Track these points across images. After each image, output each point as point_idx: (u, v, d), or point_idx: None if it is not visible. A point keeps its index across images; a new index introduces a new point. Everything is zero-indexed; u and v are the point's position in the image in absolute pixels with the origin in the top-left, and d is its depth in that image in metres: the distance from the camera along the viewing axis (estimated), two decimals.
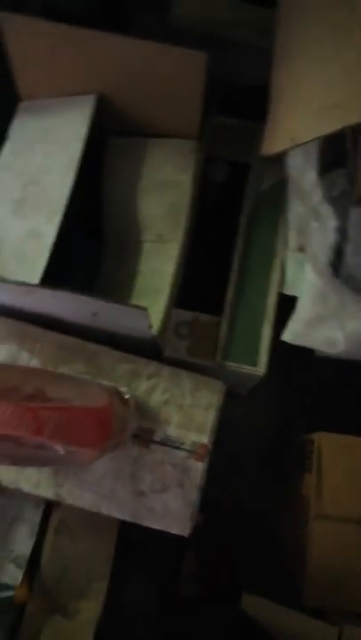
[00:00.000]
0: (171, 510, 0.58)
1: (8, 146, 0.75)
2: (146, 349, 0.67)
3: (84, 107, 0.73)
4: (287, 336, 0.67)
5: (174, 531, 0.57)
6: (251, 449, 0.84)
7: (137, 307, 0.53)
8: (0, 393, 0.44)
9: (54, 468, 0.59)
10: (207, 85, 0.70)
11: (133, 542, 0.71)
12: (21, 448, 0.45)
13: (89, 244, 0.74)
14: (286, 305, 0.70)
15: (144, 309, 0.53)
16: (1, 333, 0.65)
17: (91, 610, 0.67)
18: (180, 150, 0.74)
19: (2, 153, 0.75)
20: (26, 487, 0.59)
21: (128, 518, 0.58)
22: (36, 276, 0.63)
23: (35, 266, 0.65)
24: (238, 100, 0.81)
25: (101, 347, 0.64)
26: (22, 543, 0.69)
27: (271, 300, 0.69)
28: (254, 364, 0.66)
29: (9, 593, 0.69)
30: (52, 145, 0.72)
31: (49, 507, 0.72)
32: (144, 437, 0.60)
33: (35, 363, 0.63)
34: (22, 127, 0.76)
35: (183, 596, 0.73)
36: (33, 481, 0.59)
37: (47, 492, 0.59)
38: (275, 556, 0.76)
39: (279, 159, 0.73)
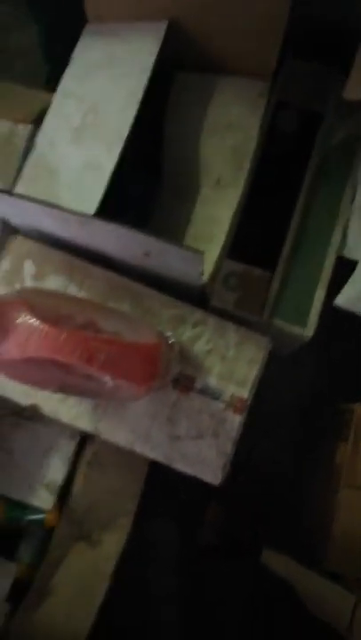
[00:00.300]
0: (204, 458, 0.58)
1: (70, 70, 0.72)
2: (192, 297, 0.65)
3: (153, 34, 0.68)
4: (340, 300, 0.64)
5: (206, 478, 0.57)
6: (285, 411, 0.83)
7: (194, 250, 0.51)
8: (53, 320, 0.44)
9: (94, 402, 0.60)
10: (288, 23, 0.65)
11: (161, 485, 0.73)
12: (69, 376, 0.45)
13: (145, 183, 0.72)
14: (343, 269, 0.67)
15: (200, 253, 0.51)
16: (51, 265, 0.65)
17: (114, 542, 0.70)
18: (251, 91, 0.69)
19: (63, 77, 0.72)
20: (65, 418, 0.60)
21: (161, 459, 0.58)
22: (91, 208, 0.62)
23: (91, 198, 0.63)
24: (319, 43, 0.74)
25: (149, 289, 0.63)
26: (56, 471, 0.72)
27: (329, 262, 0.66)
28: (303, 325, 0.64)
29: (40, 516, 0.72)
30: (117, 72, 0.69)
31: (83, 440, 0.74)
32: (184, 384, 0.60)
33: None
34: (86, 51, 0.73)
35: (202, 544, 0.75)
36: (72, 413, 0.60)
37: (85, 426, 0.60)
38: (298, 518, 0.77)
39: (355, 111, 0.68)
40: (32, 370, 0.46)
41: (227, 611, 0.56)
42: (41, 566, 0.71)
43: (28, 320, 0.43)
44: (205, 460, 0.58)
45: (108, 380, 0.43)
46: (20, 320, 0.43)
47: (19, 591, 0.69)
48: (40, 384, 0.52)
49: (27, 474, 0.72)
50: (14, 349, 0.43)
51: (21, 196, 0.56)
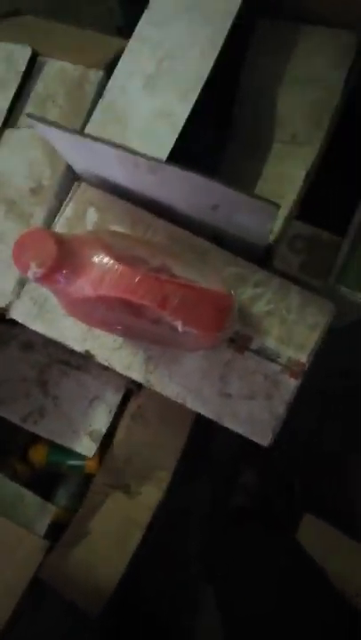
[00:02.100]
0: (255, 418, 0.57)
1: (147, 15, 0.69)
2: (254, 257, 0.63)
3: None
4: None
5: (255, 438, 0.56)
6: (333, 387, 0.81)
7: (269, 202, 0.49)
8: (127, 261, 0.43)
9: (147, 354, 0.59)
10: None
11: (196, 446, 0.73)
12: (137, 319, 0.45)
13: (215, 135, 0.69)
14: None
15: (276, 206, 0.49)
16: (113, 214, 0.64)
17: (152, 495, 0.71)
18: (337, 42, 0.65)
19: (140, 22, 0.69)
20: (118, 367, 0.60)
21: (211, 416, 0.58)
22: (161, 156, 0.60)
23: (161, 146, 0.62)
24: None
25: (212, 244, 0.61)
26: (99, 420, 0.73)
27: None
28: None
29: (80, 462, 0.74)
30: (197, 18, 0.66)
31: (128, 394, 0.74)
32: (240, 343, 0.58)
33: None
34: None
35: (236, 507, 0.75)
36: (125, 363, 0.60)
37: (137, 376, 0.59)
38: (340, 489, 0.75)
39: None
40: (100, 310, 0.46)
41: (252, 580, 0.56)
42: (78, 512, 0.72)
43: (103, 259, 0.43)
44: (256, 421, 0.57)
45: (178, 325, 0.43)
46: (94, 258, 0.43)
47: (54, 533, 0.71)
48: (105, 326, 0.52)
49: (71, 421, 0.74)
50: (87, 287, 0.43)
51: (94, 137, 0.55)
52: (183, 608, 0.75)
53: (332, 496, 0.73)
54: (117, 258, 0.44)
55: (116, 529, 0.70)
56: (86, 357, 0.70)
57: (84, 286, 0.43)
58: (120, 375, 0.74)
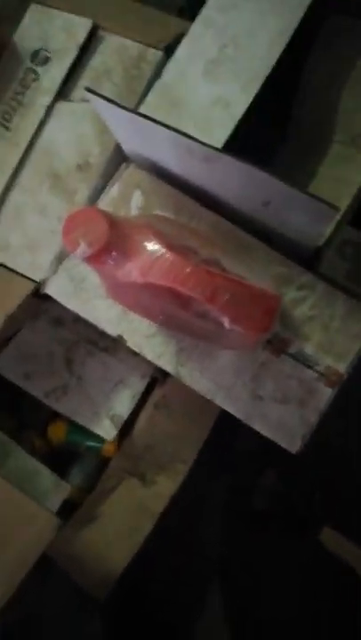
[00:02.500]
0: (284, 423, 0.56)
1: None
2: (299, 258, 0.62)
3: None
4: None
5: (283, 443, 0.56)
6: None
7: (328, 203, 0.47)
8: (178, 250, 0.42)
9: (179, 346, 0.58)
10: None
11: (218, 442, 0.72)
12: (182, 311, 0.44)
13: (272, 130, 0.67)
14: None
15: (335, 209, 0.47)
16: (159, 199, 0.62)
17: (167, 486, 0.70)
18: None
19: (205, 6, 0.67)
20: (149, 355, 0.59)
21: (240, 416, 0.57)
22: (216, 145, 0.58)
23: (216, 136, 0.60)
24: None
25: (258, 241, 0.60)
26: (122, 405, 0.72)
27: None
28: None
29: (99, 444, 0.73)
30: (267, 5, 0.63)
31: (153, 382, 0.74)
32: (277, 345, 0.57)
33: None
34: None
35: (256, 508, 0.74)
36: (157, 352, 0.59)
37: (168, 366, 0.58)
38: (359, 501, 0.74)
39: None
40: (145, 297, 0.45)
41: (273, 583, 0.55)
42: (91, 493, 0.72)
43: (154, 245, 0.42)
44: (286, 426, 0.56)
45: (225, 321, 0.42)
46: (145, 244, 0.42)
47: (67, 511, 0.71)
48: (147, 313, 0.51)
49: (93, 402, 0.73)
50: (136, 272, 0.42)
51: (151, 118, 0.53)
52: (189, 603, 0.75)
53: (356, 504, 0.72)
54: (169, 246, 0.43)
55: (128, 515, 0.70)
56: (116, 341, 0.69)
57: (132, 271, 0.42)
58: (147, 362, 0.73)
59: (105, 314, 0.61)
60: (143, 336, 0.60)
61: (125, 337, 0.60)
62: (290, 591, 0.52)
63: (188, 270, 0.41)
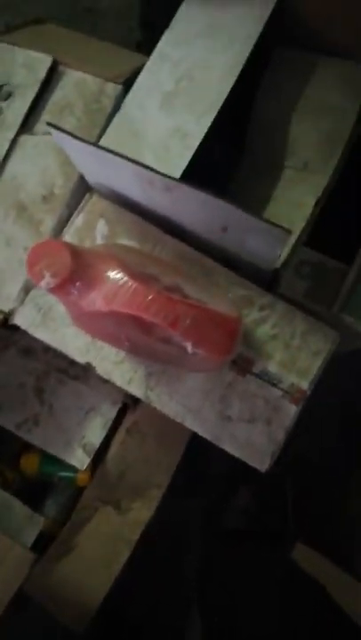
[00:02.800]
0: (253, 442, 0.57)
1: (168, 35, 0.70)
2: (259, 281, 0.64)
3: (262, 6, 0.66)
4: None
5: (252, 463, 0.56)
6: (332, 409, 0.81)
7: (281, 228, 0.49)
8: (141, 278, 0.43)
9: (148, 370, 0.59)
10: None
11: (190, 464, 0.72)
12: (146, 337, 0.45)
13: (227, 158, 0.70)
14: None
15: (287, 232, 0.49)
16: (123, 227, 0.64)
17: (143, 512, 0.70)
18: (353, 75, 0.66)
19: (161, 40, 0.70)
20: (119, 381, 0.59)
21: (209, 437, 0.57)
22: (175, 175, 0.60)
23: (175, 165, 0.62)
24: None
25: (220, 266, 0.62)
26: (94, 433, 0.72)
27: None
28: None
29: (72, 474, 0.73)
30: (218, 41, 0.67)
31: (124, 408, 0.74)
32: (242, 366, 0.59)
33: None
34: (187, 17, 0.71)
35: (229, 528, 0.74)
36: (126, 377, 0.59)
37: (137, 391, 0.59)
38: (337, 517, 0.75)
39: None
40: (109, 325, 0.46)
41: (250, 601, 0.55)
42: (66, 524, 0.71)
43: (117, 274, 0.43)
44: (255, 445, 0.57)
45: (188, 346, 0.43)
46: (109, 273, 0.43)
47: (42, 544, 0.70)
48: (112, 340, 0.52)
49: (65, 431, 0.73)
50: (100, 301, 0.43)
51: (112, 151, 0.55)
52: (170, 627, 0.74)
53: (329, 520, 0.73)
54: (131, 274, 0.44)
55: (104, 545, 0.69)
56: (86, 368, 0.69)
57: (96, 300, 0.43)
58: (118, 389, 0.74)
59: (73, 342, 0.61)
60: (112, 363, 0.60)
61: (94, 364, 0.61)
62: (267, 607, 0.52)
63: (150, 298, 0.42)
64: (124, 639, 0.72)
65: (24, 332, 0.65)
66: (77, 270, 0.43)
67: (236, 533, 0.71)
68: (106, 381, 0.74)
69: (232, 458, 0.57)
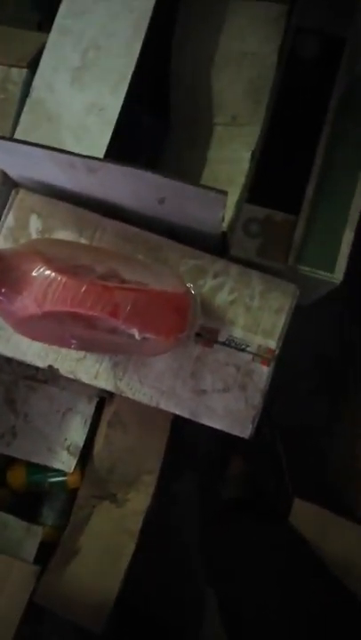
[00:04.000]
0: (232, 411, 0.56)
1: (64, 6, 0.65)
2: (210, 247, 0.61)
3: None
4: None
5: (234, 432, 0.55)
6: (307, 364, 0.81)
7: (215, 190, 0.47)
8: (71, 271, 0.41)
9: (113, 361, 0.57)
10: None
11: (180, 441, 0.71)
12: (92, 331, 0.43)
13: (153, 125, 0.67)
14: None
15: (223, 194, 0.47)
16: (58, 219, 0.61)
17: (140, 500, 0.69)
18: (267, 16, 0.63)
19: (57, 14, 0.65)
20: (85, 378, 0.57)
21: (187, 415, 0.56)
22: (99, 153, 0.57)
23: (97, 143, 0.58)
24: None
25: (165, 239, 0.59)
26: (75, 433, 0.70)
27: (357, 201, 0.61)
28: (331, 270, 0.60)
29: (61, 478, 0.71)
30: (116, 3, 0.62)
31: (102, 402, 0.72)
32: (207, 337, 0.57)
33: None
34: None
35: (227, 498, 0.74)
36: (92, 372, 0.57)
37: (106, 384, 0.57)
38: (325, 468, 0.76)
39: None
40: (51, 326, 0.43)
41: (251, 571, 0.55)
42: (66, 528, 0.70)
43: (44, 272, 0.40)
44: (233, 414, 0.56)
45: (135, 332, 0.40)
46: (35, 272, 0.40)
47: (44, 553, 0.69)
48: (60, 342, 0.49)
49: (45, 437, 0.71)
50: (31, 305, 0.40)
51: (24, 142, 0.51)
52: (187, 610, 0.75)
53: (320, 472, 0.74)
54: (59, 269, 0.41)
55: (108, 540, 0.68)
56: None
57: (27, 304, 0.41)
58: (90, 385, 0.71)
59: (30, 348, 0.59)
60: (74, 360, 0.58)
61: (56, 366, 0.58)
62: (268, 577, 0.52)
63: (83, 289, 0.39)
64: (142, 631, 0.73)
65: None
66: (1, 276, 0.40)
67: (232, 504, 0.71)
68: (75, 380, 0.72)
69: (219, 431, 0.56)
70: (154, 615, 0.75)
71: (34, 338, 0.49)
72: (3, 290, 0.40)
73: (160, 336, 0.43)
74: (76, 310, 0.40)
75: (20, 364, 0.72)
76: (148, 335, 0.42)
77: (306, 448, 0.77)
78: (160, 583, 0.76)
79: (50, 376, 0.72)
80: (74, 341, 0.45)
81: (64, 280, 0.40)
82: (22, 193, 0.61)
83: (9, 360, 0.72)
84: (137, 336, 0.41)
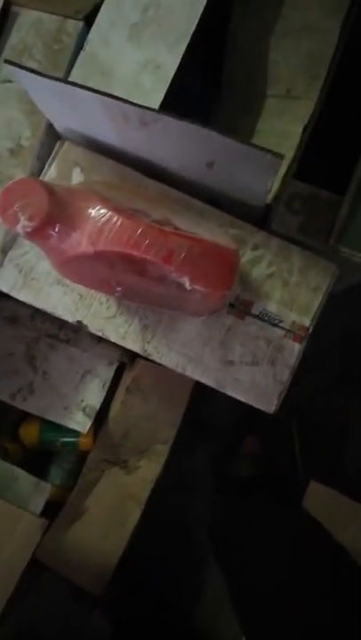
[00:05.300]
0: (258, 385, 0.55)
1: None
2: (251, 221, 0.60)
3: None
4: None
5: (259, 405, 0.55)
6: (332, 350, 0.80)
7: (272, 152, 0.46)
8: (128, 213, 0.39)
9: (143, 323, 0.56)
10: None
11: (200, 417, 0.70)
12: (140, 278, 0.42)
13: (204, 89, 0.65)
14: None
15: (279, 157, 0.46)
16: (101, 174, 0.60)
17: (150, 469, 0.69)
18: None
19: None
20: (113, 337, 0.57)
21: (213, 384, 0.55)
22: None
23: (149, 101, 0.57)
24: None
25: (207, 206, 0.58)
26: (93, 395, 0.70)
27: None
28: None
29: (74, 439, 0.71)
30: None
31: (121, 367, 0.71)
32: (241, 308, 0.56)
33: None
34: None
35: (240, 476, 0.73)
36: (120, 332, 0.57)
37: (133, 346, 0.56)
38: (343, 453, 0.75)
39: None
40: (99, 269, 0.42)
41: (262, 551, 0.54)
42: (73, 489, 0.70)
43: (100, 210, 0.39)
44: (260, 388, 0.55)
45: (185, 281, 0.39)
46: (90, 210, 0.39)
47: (50, 513, 0.69)
48: (103, 287, 0.48)
49: (62, 396, 0.71)
50: (84, 242, 0.39)
51: (79, 85, 0.50)
52: (187, 583, 0.75)
53: (336, 455, 0.73)
54: (116, 210, 0.40)
55: (114, 505, 0.68)
56: (76, 330, 0.66)
57: (80, 241, 0.40)
58: (113, 348, 0.71)
59: (61, 301, 0.58)
60: (103, 318, 0.57)
61: (85, 322, 0.58)
62: (284, 556, 0.51)
63: (139, 232, 0.38)
64: (144, 599, 0.72)
65: (8, 300, 0.61)
66: (56, 210, 0.39)
67: (246, 482, 0.71)
68: (99, 342, 0.71)
69: (236, 409, 0.56)
70: (151, 585, 0.75)
71: (77, 280, 0.48)
72: (57, 225, 0.39)
73: (209, 289, 0.42)
74: (129, 252, 0.39)
75: (45, 321, 0.72)
76: (197, 287, 0.41)
77: (322, 433, 0.77)
78: (160, 555, 0.76)
79: (73, 337, 0.71)
80: (118, 288, 0.44)
81: (121, 220, 0.39)
82: (67, 145, 0.61)
83: (33, 316, 0.72)
84: (187, 285, 0.40)
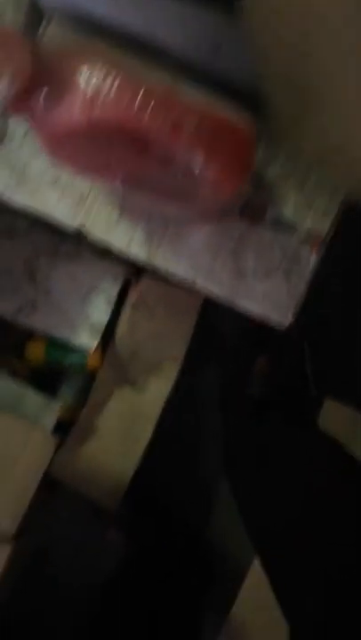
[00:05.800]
0: (272, 297, 0.51)
1: None
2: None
3: None
4: None
5: (273, 317, 0.52)
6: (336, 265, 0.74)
7: None
8: (126, 80, 0.33)
9: (149, 229, 0.52)
10: None
11: (210, 334, 0.68)
12: (142, 160, 0.36)
13: None
14: None
15: None
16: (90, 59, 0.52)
17: (160, 387, 0.68)
18: None
19: None
20: (117, 243, 0.52)
21: (224, 296, 0.52)
22: None
23: None
24: None
25: (217, 97, 0.51)
26: (99, 312, 0.67)
27: None
28: None
29: (82, 357, 0.69)
30: None
31: (127, 284, 0.68)
32: (253, 213, 0.51)
33: None
34: None
35: (251, 395, 0.72)
36: (125, 239, 0.52)
37: (140, 252, 0.52)
38: (355, 373, 0.73)
39: None
40: (94, 147, 0.36)
41: (283, 476, 0.53)
42: (84, 408, 0.70)
43: (94, 71, 0.32)
44: (274, 300, 0.51)
45: (195, 161, 0.33)
46: (82, 73, 0.33)
47: (62, 432, 0.69)
48: (102, 171, 0.42)
49: (67, 314, 0.68)
50: (76, 111, 0.33)
51: None
52: (199, 499, 0.76)
53: (347, 375, 0.71)
54: (113, 70, 0.33)
55: (126, 424, 0.68)
56: (77, 244, 0.62)
57: (71, 109, 0.33)
58: (116, 264, 0.67)
59: (58, 204, 0.53)
60: (106, 223, 0.53)
61: (88, 227, 0.53)
62: (296, 478, 0.51)
63: (141, 94, 0.32)
64: (157, 517, 0.74)
65: (3, 212, 0.57)
66: (42, 70, 0.32)
67: (259, 404, 0.70)
68: (102, 258, 0.68)
69: (248, 330, 0.53)
70: (164, 501, 0.77)
71: (72, 163, 0.42)
72: (44, 89, 0.33)
73: (223, 173, 0.36)
74: (130, 121, 0.33)
75: (42, 234, 0.68)
76: (209, 170, 0.35)
77: (333, 350, 0.74)
78: (172, 472, 0.77)
79: (75, 251, 0.67)
80: (119, 173, 0.39)
81: (119, 81, 0.32)
82: (54, 25, 0.53)
83: (31, 229, 0.68)
84: (198, 164, 0.34)
